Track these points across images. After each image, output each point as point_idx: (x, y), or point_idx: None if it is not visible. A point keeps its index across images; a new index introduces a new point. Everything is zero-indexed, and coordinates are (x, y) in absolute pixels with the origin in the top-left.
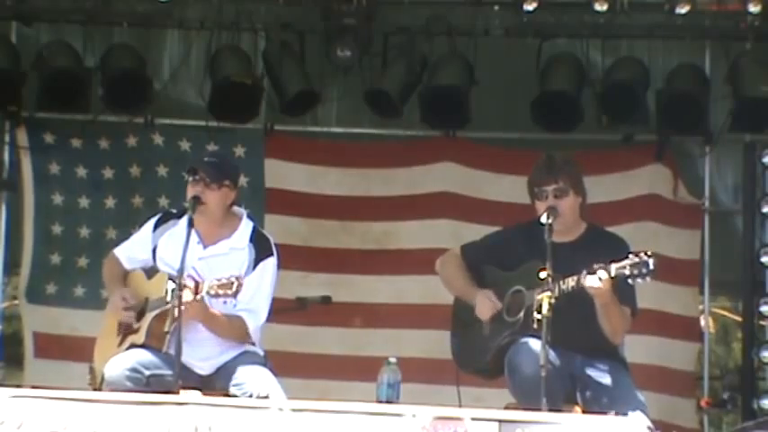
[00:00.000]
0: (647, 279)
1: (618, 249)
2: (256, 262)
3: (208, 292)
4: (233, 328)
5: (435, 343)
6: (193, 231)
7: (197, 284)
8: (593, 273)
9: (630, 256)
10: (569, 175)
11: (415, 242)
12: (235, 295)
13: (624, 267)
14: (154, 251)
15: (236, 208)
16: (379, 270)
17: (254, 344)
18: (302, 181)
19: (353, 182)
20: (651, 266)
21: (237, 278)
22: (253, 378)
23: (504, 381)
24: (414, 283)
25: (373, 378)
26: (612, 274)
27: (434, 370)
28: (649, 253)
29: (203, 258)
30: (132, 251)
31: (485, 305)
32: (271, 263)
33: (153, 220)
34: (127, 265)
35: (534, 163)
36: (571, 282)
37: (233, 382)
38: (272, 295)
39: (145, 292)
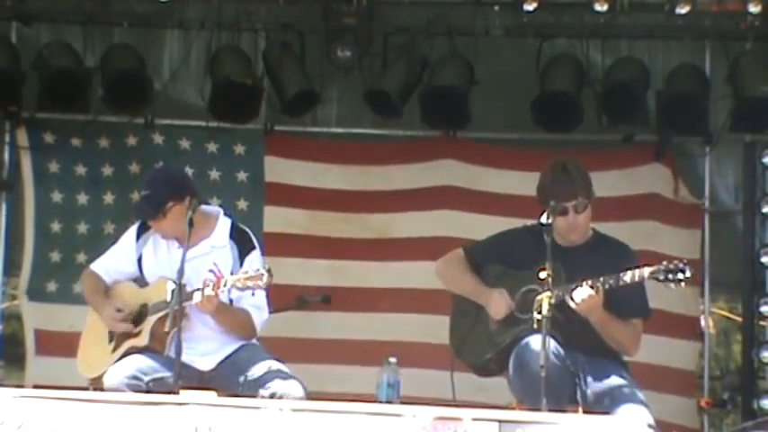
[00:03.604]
0: (681, 285)
1: (625, 255)
2: (242, 257)
3: (235, 285)
4: (241, 324)
5: (435, 328)
6: (171, 238)
7: (218, 279)
8: (579, 288)
9: (664, 262)
10: (585, 187)
11: (416, 231)
12: (267, 287)
13: (658, 272)
14: (139, 261)
15: (209, 207)
16: (379, 256)
17: None
18: (302, 177)
19: (354, 178)
20: (687, 273)
21: (268, 270)
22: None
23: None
24: (414, 269)
25: (372, 363)
26: (646, 277)
27: (433, 355)
28: (685, 261)
29: (186, 260)
30: (115, 264)
31: (500, 304)
32: (255, 256)
33: (133, 231)
34: (107, 279)
35: (547, 170)
36: (558, 293)
37: (264, 389)
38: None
39: (141, 298)
